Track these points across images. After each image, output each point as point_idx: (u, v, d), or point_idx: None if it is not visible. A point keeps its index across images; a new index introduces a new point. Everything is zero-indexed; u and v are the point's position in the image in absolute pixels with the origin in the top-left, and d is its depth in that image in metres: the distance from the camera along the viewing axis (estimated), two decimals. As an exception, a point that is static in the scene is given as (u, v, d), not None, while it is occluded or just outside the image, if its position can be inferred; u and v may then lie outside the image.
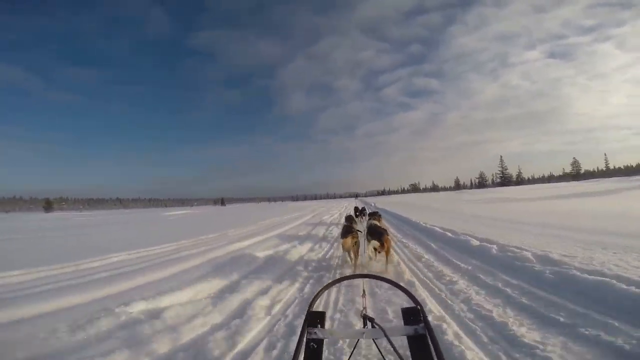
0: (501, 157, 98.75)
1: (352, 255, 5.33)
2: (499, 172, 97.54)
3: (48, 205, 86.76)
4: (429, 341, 1.17)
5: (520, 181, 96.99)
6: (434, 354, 1.09)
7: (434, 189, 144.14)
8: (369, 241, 5.23)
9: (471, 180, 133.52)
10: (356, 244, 5.28)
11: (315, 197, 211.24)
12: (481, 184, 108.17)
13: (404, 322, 1.34)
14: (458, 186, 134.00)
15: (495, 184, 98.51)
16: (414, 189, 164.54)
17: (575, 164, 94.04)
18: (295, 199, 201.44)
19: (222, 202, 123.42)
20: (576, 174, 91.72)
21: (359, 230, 5.83)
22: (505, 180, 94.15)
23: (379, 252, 5.06)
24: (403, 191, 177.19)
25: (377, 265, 5.30)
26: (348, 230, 5.45)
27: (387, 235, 5.23)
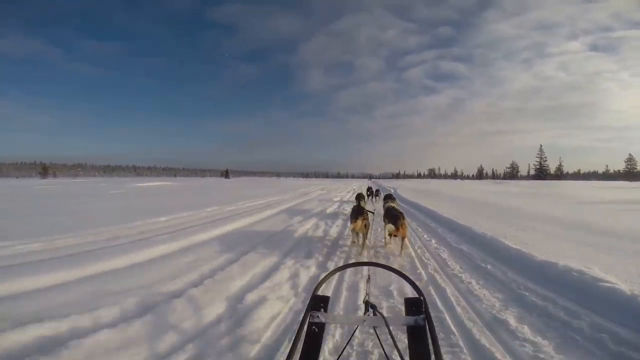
0: (541, 146, 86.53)
1: (361, 237, 5.19)
2: (537, 163, 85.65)
3: (44, 172, 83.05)
4: (428, 333, 1.20)
5: (560, 175, 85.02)
6: (431, 346, 1.12)
7: (455, 176, 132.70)
8: (385, 224, 5.25)
9: (493, 170, 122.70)
10: (366, 226, 5.14)
11: (326, 176, 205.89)
12: (512, 174, 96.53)
13: (406, 312, 1.37)
14: (481, 175, 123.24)
15: (530, 176, 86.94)
16: (432, 174, 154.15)
17: (630, 161, 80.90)
18: (305, 176, 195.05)
19: (226, 174, 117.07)
20: (628, 173, 79.00)
21: (369, 211, 5.67)
22: (542, 173, 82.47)
23: (395, 236, 5.00)
24: (419, 176, 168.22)
25: (391, 249, 5.20)
26: (358, 211, 5.21)
27: (404, 219, 5.07)
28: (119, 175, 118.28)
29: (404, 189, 22.99)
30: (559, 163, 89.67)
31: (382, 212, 6.92)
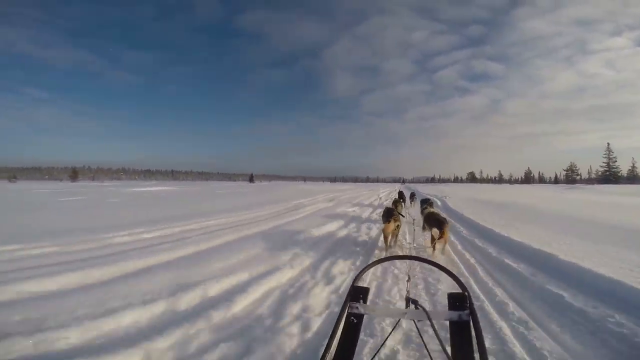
0: (608, 144, 72.90)
1: (391, 238, 5.28)
2: (604, 164, 72.25)
3: (74, 175, 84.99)
4: (472, 328, 1.18)
5: (633, 178, 70.84)
6: (474, 341, 1.12)
7: (500, 180, 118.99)
8: (425, 228, 5.48)
9: (540, 174, 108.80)
10: (397, 228, 5.30)
11: (355, 180, 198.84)
12: (571, 178, 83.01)
13: (449, 307, 1.33)
14: (528, 179, 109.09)
15: (595, 180, 73.49)
16: (473, 178, 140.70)
17: None
18: (332, 180, 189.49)
19: (251, 178, 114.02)
20: None
21: (401, 215, 5.80)
22: (612, 176, 69.05)
23: (438, 239, 4.88)
24: (457, 180, 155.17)
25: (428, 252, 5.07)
26: (390, 213, 5.27)
27: (447, 224, 5.06)
28: (156, 178, 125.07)
29: (459, 199, 15.59)
30: (631, 164, 75.07)
31: (415, 217, 6.72)
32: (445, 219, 5.29)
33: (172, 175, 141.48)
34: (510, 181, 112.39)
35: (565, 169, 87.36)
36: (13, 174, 78.80)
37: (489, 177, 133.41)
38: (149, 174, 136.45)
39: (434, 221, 5.12)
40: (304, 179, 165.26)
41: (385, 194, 22.87)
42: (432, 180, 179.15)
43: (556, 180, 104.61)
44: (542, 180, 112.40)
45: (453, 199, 15.47)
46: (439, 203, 13.39)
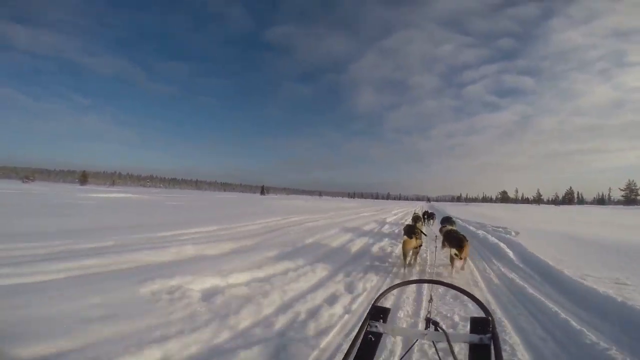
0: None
1: (411, 257, 5.18)
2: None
3: (83, 179, 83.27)
4: (492, 352, 1.15)
5: None
6: None
7: (538, 200, 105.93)
8: (444, 246, 5.35)
9: (579, 194, 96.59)
10: (419, 246, 5.26)
11: (376, 197, 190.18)
12: (629, 198, 70.85)
13: (471, 330, 1.32)
14: (569, 199, 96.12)
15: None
16: (504, 197, 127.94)
17: None
18: (352, 196, 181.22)
19: (262, 190, 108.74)
20: None
21: (423, 233, 5.69)
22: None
23: (459, 258, 4.83)
24: (485, 199, 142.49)
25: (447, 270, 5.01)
26: (411, 229, 5.21)
27: (466, 241, 4.89)
28: (181, 187, 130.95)
29: (546, 240, 7.43)
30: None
31: (434, 235, 6.27)
32: (464, 236, 5.07)
33: (196, 184, 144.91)
34: (556, 202, 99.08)
35: (622, 188, 74.54)
36: (28, 174, 77.56)
37: (524, 197, 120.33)
38: (174, 183, 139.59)
39: (453, 239, 5.01)
40: (320, 193, 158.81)
41: (395, 219, 15.62)
42: (458, 199, 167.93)
43: (602, 201, 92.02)
44: (581, 201, 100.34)
45: (530, 236, 7.97)
46: (508, 251, 6.15)
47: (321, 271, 4.70)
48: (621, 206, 57.86)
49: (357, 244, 7.09)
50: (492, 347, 1.16)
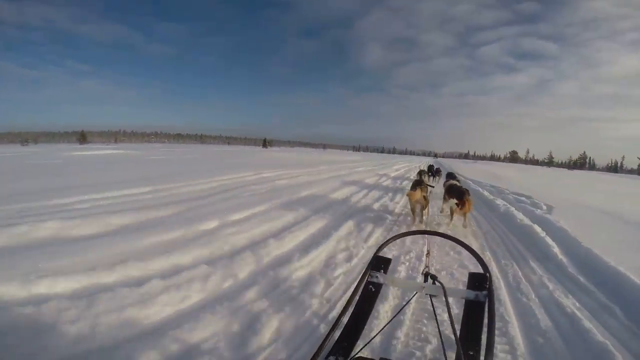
0: None
1: (419, 212, 4.97)
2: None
3: (83, 138, 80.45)
4: (486, 309, 1.18)
5: None
6: (486, 321, 1.11)
7: (550, 163, 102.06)
8: (445, 200, 5.20)
9: (590, 159, 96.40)
10: (425, 199, 4.93)
11: (382, 151, 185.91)
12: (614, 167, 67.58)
13: (468, 286, 1.37)
14: (581, 164, 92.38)
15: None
16: (514, 158, 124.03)
17: None
18: (357, 149, 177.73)
19: (265, 143, 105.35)
20: None
21: (430, 185, 5.53)
22: None
23: (460, 209, 4.65)
24: (493, 158, 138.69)
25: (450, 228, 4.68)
26: (418, 183, 5.11)
27: (469, 195, 4.83)
28: (185, 142, 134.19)
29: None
30: None
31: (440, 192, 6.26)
32: (467, 190, 4.98)
33: (200, 139, 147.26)
34: (568, 166, 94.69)
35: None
36: (29, 137, 75.74)
37: (534, 159, 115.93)
38: (179, 138, 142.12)
39: (454, 191, 4.91)
40: (324, 146, 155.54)
41: (397, 175, 13.49)
42: (465, 156, 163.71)
43: (614, 169, 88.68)
44: (592, 166, 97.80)
45: (568, 214, 5.68)
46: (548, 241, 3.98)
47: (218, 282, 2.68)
48: (635, 175, 54.80)
49: (314, 226, 4.70)
50: (486, 304, 1.20)
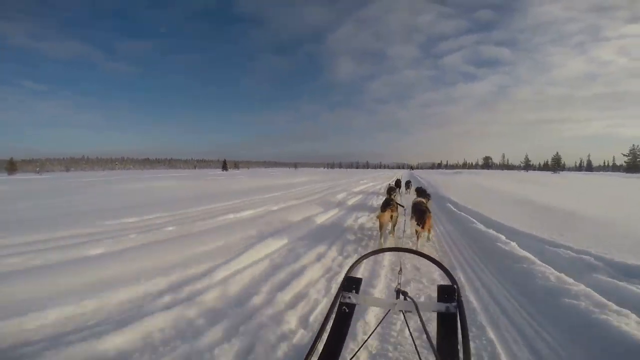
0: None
1: (390, 229, 5.21)
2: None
3: (11, 168, 67.74)
4: (458, 320, 1.20)
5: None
6: (460, 333, 1.14)
7: (527, 167, 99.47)
8: (412, 218, 5.09)
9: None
10: (392, 218, 5.10)
11: (357, 166, 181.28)
12: (631, 164, 65.03)
13: (438, 298, 1.36)
14: (555, 166, 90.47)
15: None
16: (486, 164, 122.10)
17: None
18: (330, 166, 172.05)
19: (224, 165, 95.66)
20: None
21: (399, 205, 5.58)
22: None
23: (422, 229, 4.72)
24: (465, 166, 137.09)
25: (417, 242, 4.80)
26: (387, 203, 5.18)
27: (429, 214, 4.88)
28: (153, 168, 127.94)
29: None
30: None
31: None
32: (427, 209, 5.05)
33: (169, 163, 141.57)
34: (545, 168, 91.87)
35: (626, 154, 67.50)
36: None
37: (508, 164, 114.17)
38: (146, 163, 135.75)
39: (417, 211, 4.95)
40: (295, 165, 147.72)
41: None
42: (438, 166, 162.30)
43: (589, 168, 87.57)
44: (561, 167, 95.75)
45: None
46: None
47: None
48: (621, 173, 51.23)
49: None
50: (458, 315, 1.22)
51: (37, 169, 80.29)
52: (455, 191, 12.21)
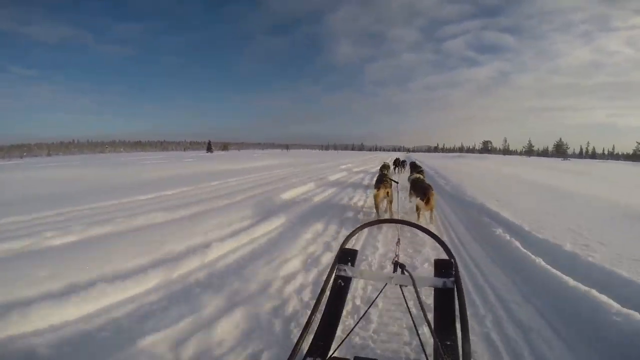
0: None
1: (386, 207, 5.02)
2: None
3: None
4: (455, 295, 1.18)
5: None
6: (457, 307, 1.11)
7: (530, 152, 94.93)
8: (412, 195, 5.11)
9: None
10: (388, 195, 4.91)
11: (352, 148, 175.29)
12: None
13: (435, 273, 1.35)
14: (558, 152, 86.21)
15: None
16: (485, 148, 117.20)
17: None
18: (326, 148, 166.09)
19: (209, 147, 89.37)
20: None
21: (394, 181, 5.38)
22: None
23: (426, 204, 4.48)
24: (462, 149, 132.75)
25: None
26: (381, 180, 4.99)
27: (432, 190, 4.59)
28: (144, 150, 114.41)
29: None
30: None
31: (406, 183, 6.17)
32: (429, 185, 4.80)
33: (161, 146, 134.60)
34: (548, 154, 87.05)
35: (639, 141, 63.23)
36: None
37: (508, 149, 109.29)
38: (138, 145, 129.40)
39: (417, 189, 4.76)
40: (287, 147, 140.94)
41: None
42: (435, 149, 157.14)
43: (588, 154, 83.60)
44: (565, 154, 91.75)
45: None
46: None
47: None
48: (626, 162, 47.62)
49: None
50: (455, 290, 1.19)
51: (24, 154, 74.12)
52: (481, 186, 7.53)
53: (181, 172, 11.93)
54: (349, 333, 1.42)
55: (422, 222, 4.37)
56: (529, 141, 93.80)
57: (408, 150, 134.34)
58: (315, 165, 16.83)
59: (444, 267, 1.29)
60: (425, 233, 1.51)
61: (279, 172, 11.98)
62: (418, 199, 4.52)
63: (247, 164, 17.53)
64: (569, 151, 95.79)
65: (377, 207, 4.90)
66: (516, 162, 27.11)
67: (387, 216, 4.81)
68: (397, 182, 5.33)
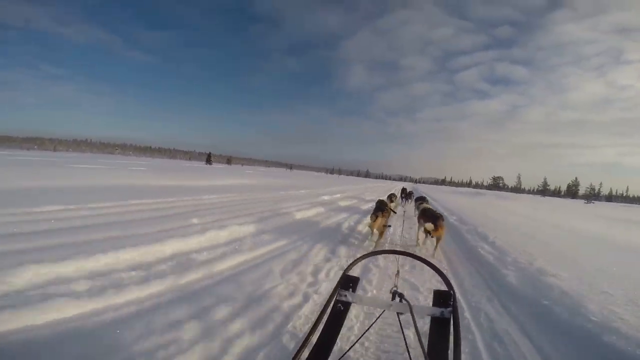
0: None
1: (378, 234, 5.01)
2: None
3: None
4: (451, 326, 1.19)
5: None
6: (451, 338, 1.13)
7: (544, 191, 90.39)
8: (420, 224, 5.10)
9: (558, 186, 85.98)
10: (383, 227, 4.93)
11: (357, 174, 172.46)
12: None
13: (433, 303, 1.37)
14: (572, 192, 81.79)
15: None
16: (495, 184, 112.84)
17: None
18: (330, 172, 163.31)
19: (208, 158, 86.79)
20: None
21: (393, 211, 5.52)
22: None
23: (432, 236, 4.60)
24: (469, 184, 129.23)
25: (422, 250, 4.73)
26: (379, 208, 4.94)
27: (442, 219, 4.71)
28: (153, 156, 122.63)
29: None
30: None
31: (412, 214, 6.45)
32: (440, 215, 4.88)
33: (170, 153, 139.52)
34: (564, 195, 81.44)
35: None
36: None
37: (520, 187, 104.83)
38: (147, 151, 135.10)
39: (428, 216, 4.81)
40: (291, 166, 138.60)
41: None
42: (442, 182, 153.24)
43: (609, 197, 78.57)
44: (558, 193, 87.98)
45: None
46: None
47: None
48: None
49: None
50: (452, 321, 1.21)
51: (35, 146, 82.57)
52: (559, 259, 3.86)
53: (117, 182, 8.38)
54: (344, 355, 1.42)
55: (424, 253, 4.30)
56: (545, 179, 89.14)
57: (415, 181, 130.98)
58: (284, 191, 13.00)
59: (443, 298, 1.32)
60: (425, 264, 1.54)
61: (228, 197, 8.35)
62: (428, 223, 4.47)
63: (220, 182, 13.95)
64: (580, 191, 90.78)
65: (376, 234, 4.92)
66: (544, 204, 23.15)
67: (383, 245, 4.85)
68: (396, 212, 5.58)
